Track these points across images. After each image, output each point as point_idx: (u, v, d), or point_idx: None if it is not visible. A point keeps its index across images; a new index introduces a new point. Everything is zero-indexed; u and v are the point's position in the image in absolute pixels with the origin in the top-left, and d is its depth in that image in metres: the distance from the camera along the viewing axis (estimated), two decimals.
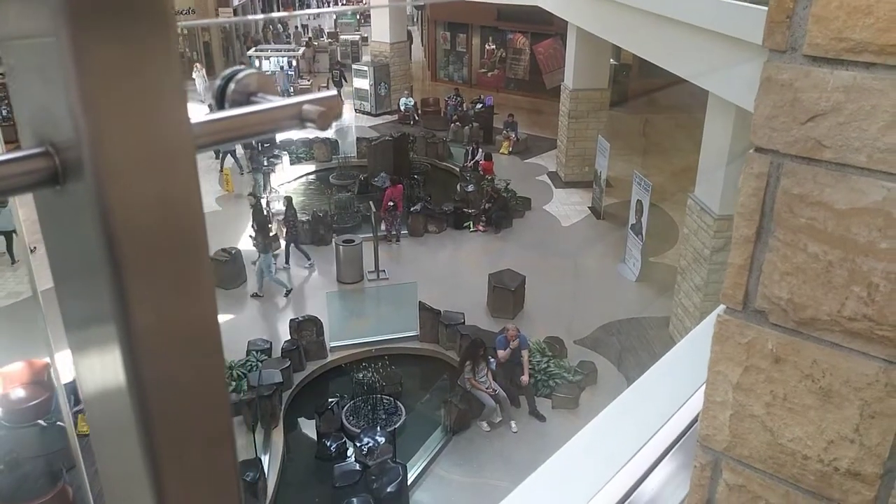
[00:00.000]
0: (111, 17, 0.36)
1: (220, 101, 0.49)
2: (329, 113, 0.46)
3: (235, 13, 33.81)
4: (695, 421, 1.48)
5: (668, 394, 1.61)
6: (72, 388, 9.27)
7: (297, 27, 41.24)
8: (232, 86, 0.49)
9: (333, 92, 0.49)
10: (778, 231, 0.92)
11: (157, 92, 0.38)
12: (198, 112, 0.44)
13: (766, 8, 0.87)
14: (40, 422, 8.81)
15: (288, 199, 14.29)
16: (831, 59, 0.82)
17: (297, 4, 49.94)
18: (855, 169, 0.83)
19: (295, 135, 19.93)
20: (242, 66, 0.50)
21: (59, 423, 8.78)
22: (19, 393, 9.44)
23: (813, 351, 0.93)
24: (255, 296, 12.52)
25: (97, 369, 0.44)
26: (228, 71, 0.50)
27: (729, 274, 0.98)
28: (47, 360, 9.85)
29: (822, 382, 0.93)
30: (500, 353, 9.77)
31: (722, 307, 1.01)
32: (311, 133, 21.33)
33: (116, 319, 0.39)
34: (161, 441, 0.42)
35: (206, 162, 18.16)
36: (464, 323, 11.07)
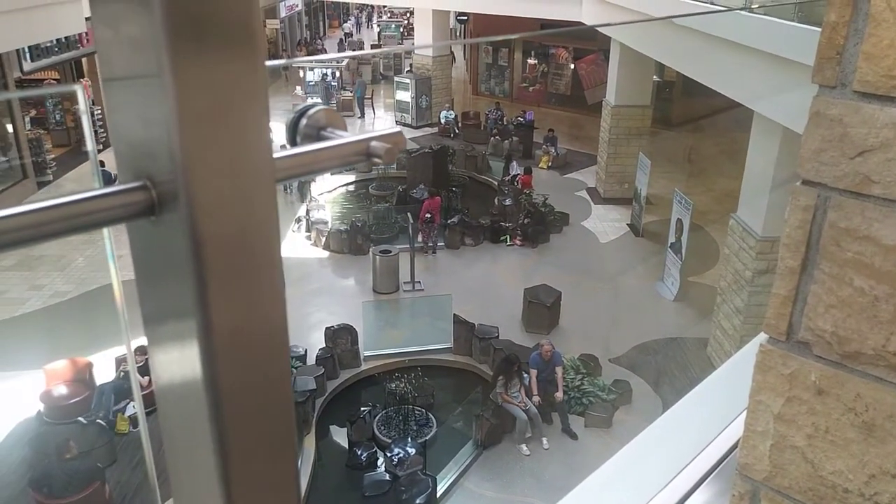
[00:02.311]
0: (210, 58, 0.39)
1: (292, 135, 0.52)
2: (394, 149, 0.49)
3: (282, 24, 34.49)
4: (733, 449, 1.47)
5: (706, 420, 1.60)
6: (112, 388, 9.53)
7: (340, 39, 41.84)
8: (304, 121, 0.52)
9: (398, 128, 0.52)
10: (824, 264, 0.92)
11: (247, 129, 0.41)
12: None
13: (816, 28, 0.88)
14: (80, 419, 9.03)
15: None
16: (881, 96, 0.83)
17: (341, 16, 50.68)
18: None
19: None
20: (313, 103, 0.54)
21: (98, 420, 8.99)
22: (62, 390, 9.70)
23: (857, 384, 0.93)
24: None
25: (174, 363, 0.47)
26: (301, 106, 0.53)
27: (772, 304, 0.99)
28: (90, 358, 10.12)
29: (865, 416, 0.93)
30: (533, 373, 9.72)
31: (763, 335, 1.02)
32: None
33: (198, 323, 0.43)
34: (231, 434, 0.45)
35: None
36: (498, 337, 11.05)
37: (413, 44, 26.72)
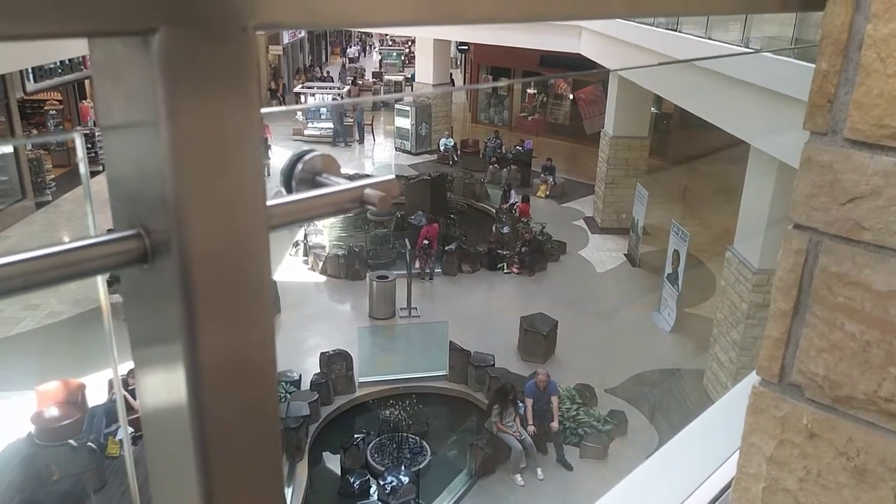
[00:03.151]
0: (206, 108, 0.40)
1: (287, 181, 0.53)
2: (387, 197, 0.50)
3: (285, 51, 34.81)
4: (727, 488, 1.47)
5: (701, 458, 1.59)
6: (104, 411, 9.44)
7: (343, 65, 42.21)
8: (299, 166, 0.53)
9: (392, 176, 0.53)
10: (815, 307, 0.92)
11: (241, 177, 0.42)
12: None
13: (809, 64, 0.90)
14: (71, 441, 8.93)
15: None
16: (871, 145, 0.84)
17: (343, 43, 51.17)
18: (894, 252, 0.84)
19: None
20: (309, 149, 0.54)
21: (89, 443, 8.89)
22: (53, 412, 9.60)
23: (848, 429, 0.93)
24: None
25: (161, 389, 0.47)
26: (296, 152, 0.54)
27: (765, 346, 0.99)
28: (82, 380, 10.04)
29: (857, 461, 0.93)
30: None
31: (756, 376, 1.02)
32: (350, 169, 21.53)
33: (185, 360, 0.43)
34: (215, 459, 0.45)
35: None
36: (493, 365, 11.00)
37: (413, 77, 26.89)
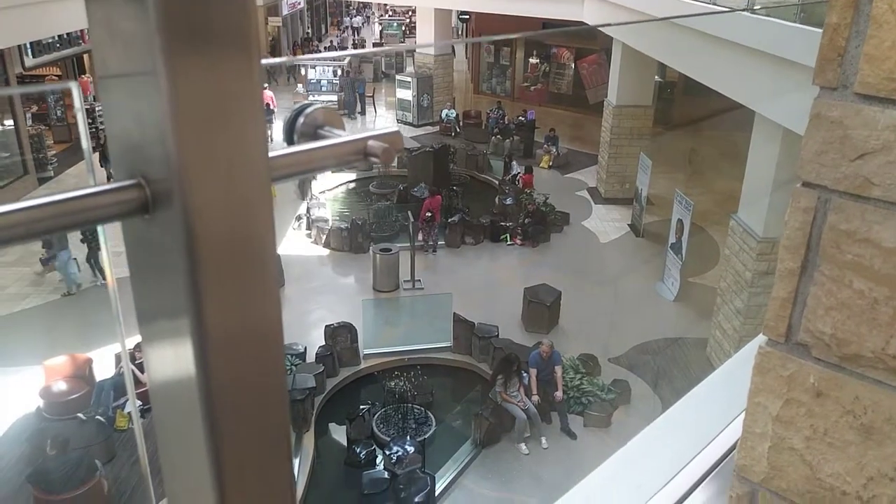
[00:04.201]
0: (205, 57, 0.39)
1: (289, 134, 0.52)
2: (391, 149, 0.49)
3: (284, 22, 34.47)
4: (731, 450, 1.47)
5: (705, 421, 1.60)
6: (112, 384, 9.53)
7: (343, 37, 41.79)
8: (301, 119, 0.52)
9: (396, 128, 0.52)
10: (824, 266, 0.92)
11: (243, 128, 0.41)
12: None
13: (817, 29, 0.88)
14: (80, 415, 9.03)
15: None
16: (883, 98, 0.83)
17: (341, 16, 50.63)
18: None
19: None
20: (310, 103, 0.53)
21: (97, 417, 8.99)
22: (61, 386, 9.70)
23: (855, 387, 0.92)
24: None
25: (168, 361, 0.47)
26: (298, 105, 0.53)
27: (772, 306, 0.98)
28: (89, 355, 10.12)
29: (864, 419, 0.93)
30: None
31: (763, 337, 1.01)
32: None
33: (191, 319, 0.43)
34: (224, 430, 0.45)
35: None
36: (497, 336, 11.05)
37: (415, 42, 26.63)
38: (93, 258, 12.98)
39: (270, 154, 0.44)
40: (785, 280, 0.96)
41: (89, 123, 18.14)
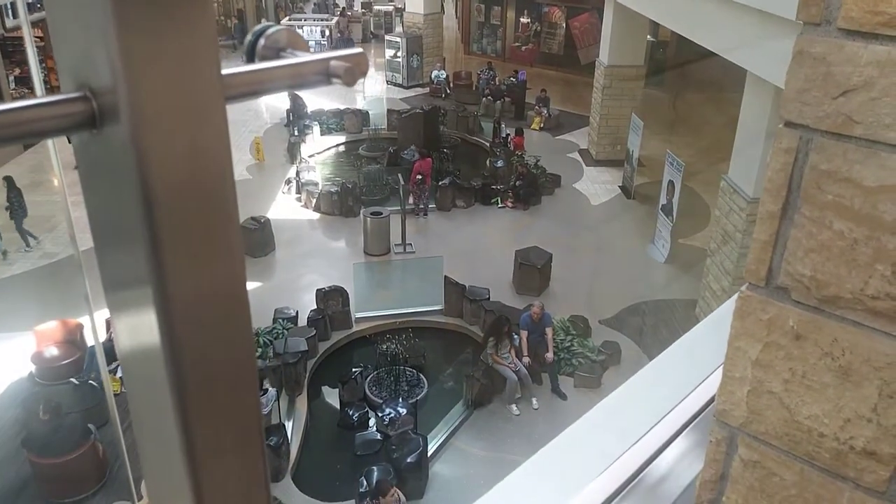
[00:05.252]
0: None
1: (250, 56, 0.50)
2: (355, 69, 0.47)
3: None
4: (713, 400, 1.48)
5: (687, 372, 1.61)
6: (107, 348, 9.54)
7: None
8: (262, 41, 0.50)
9: (360, 49, 0.50)
10: (804, 207, 0.91)
11: (192, 42, 0.39)
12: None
13: None
14: (73, 380, 9.06)
15: (8, 180, 13.50)
16: (866, 33, 0.81)
17: None
18: (885, 146, 0.82)
19: (326, 105, 19.97)
20: (272, 23, 0.51)
21: (90, 381, 9.02)
22: (53, 351, 9.71)
23: (834, 329, 0.93)
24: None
25: (133, 327, 0.46)
26: (259, 26, 0.51)
27: (753, 249, 0.98)
28: (80, 320, 10.11)
29: (842, 361, 0.93)
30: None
31: (745, 286, 1.01)
32: (341, 104, 21.11)
33: (150, 272, 0.41)
34: (191, 397, 0.44)
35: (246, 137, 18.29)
36: (489, 298, 11.10)
37: (404, 7, 26.17)
38: (18, 223, 13.01)
39: (225, 71, 0.42)
40: (766, 223, 0.95)
41: None
